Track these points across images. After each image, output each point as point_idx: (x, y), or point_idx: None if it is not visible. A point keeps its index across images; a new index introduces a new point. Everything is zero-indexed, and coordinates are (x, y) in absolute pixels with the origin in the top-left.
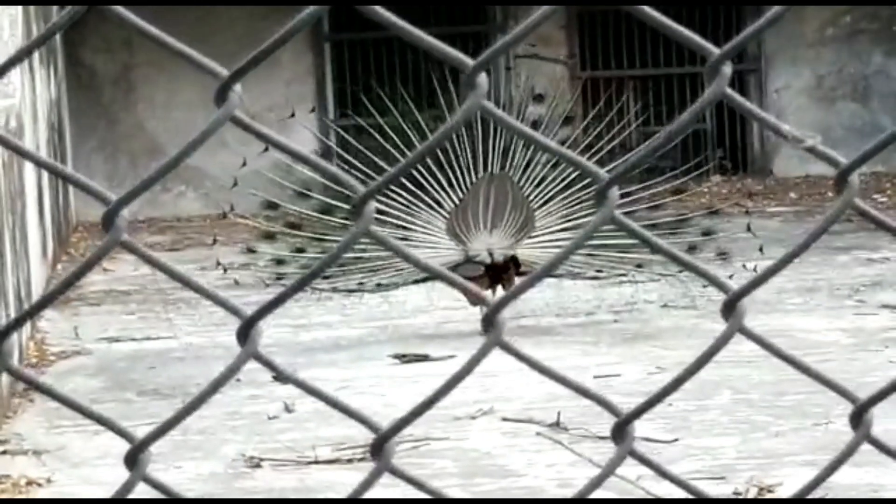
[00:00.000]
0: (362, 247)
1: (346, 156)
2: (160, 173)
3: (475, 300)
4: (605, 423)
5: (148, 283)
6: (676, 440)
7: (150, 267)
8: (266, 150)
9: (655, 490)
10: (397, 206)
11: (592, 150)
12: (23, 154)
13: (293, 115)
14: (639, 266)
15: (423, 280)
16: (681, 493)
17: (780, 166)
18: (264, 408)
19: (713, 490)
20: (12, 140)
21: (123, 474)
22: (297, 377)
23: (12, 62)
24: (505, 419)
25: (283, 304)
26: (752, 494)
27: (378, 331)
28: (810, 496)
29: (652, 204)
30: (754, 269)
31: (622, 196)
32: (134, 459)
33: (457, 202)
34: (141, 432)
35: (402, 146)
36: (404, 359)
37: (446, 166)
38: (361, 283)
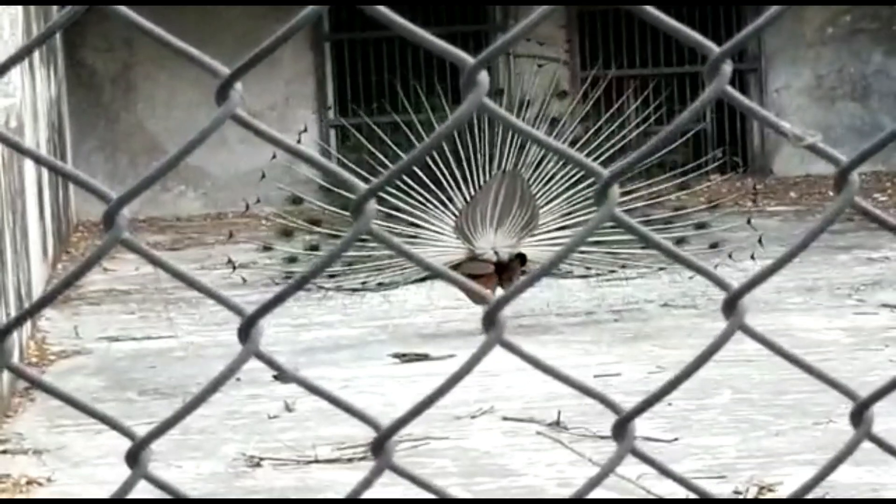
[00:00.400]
0: (372, 245)
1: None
2: (160, 172)
3: (477, 299)
4: (606, 423)
5: (148, 282)
6: (677, 439)
7: (151, 265)
8: (274, 157)
9: (656, 489)
10: (412, 203)
11: (592, 149)
12: (24, 152)
13: (305, 131)
14: (623, 267)
15: (424, 279)
16: (681, 493)
17: (781, 165)
18: (265, 407)
19: (713, 489)
20: (12, 138)
21: (124, 474)
22: (299, 375)
23: (12, 61)
24: (505, 418)
25: (284, 302)
26: (752, 494)
27: (378, 330)
28: (811, 495)
29: (652, 201)
30: (751, 258)
31: (625, 194)
32: (135, 458)
33: (468, 200)
34: (141, 431)
35: (415, 142)
36: (404, 358)
37: (464, 162)
38: (365, 283)
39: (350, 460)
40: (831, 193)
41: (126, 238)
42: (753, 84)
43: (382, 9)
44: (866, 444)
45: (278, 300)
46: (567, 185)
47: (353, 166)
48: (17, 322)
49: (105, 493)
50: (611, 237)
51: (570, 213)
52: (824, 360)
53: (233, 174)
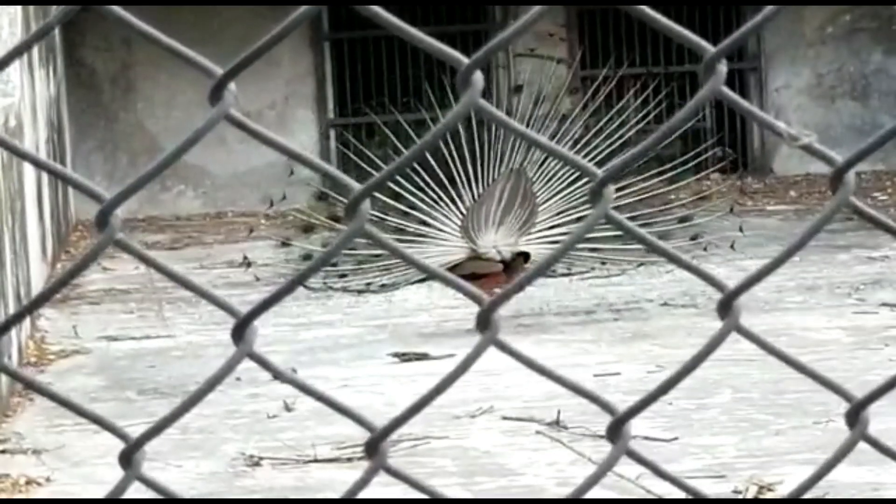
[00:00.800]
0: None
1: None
2: (154, 172)
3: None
4: (606, 422)
5: (148, 281)
6: (676, 438)
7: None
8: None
9: (656, 489)
10: (427, 201)
11: (591, 148)
12: (17, 152)
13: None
14: (603, 263)
15: (425, 279)
16: (681, 492)
17: (780, 164)
18: (264, 406)
19: (713, 488)
20: (8, 140)
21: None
22: (293, 376)
23: (7, 59)
24: (505, 418)
25: (279, 302)
26: (752, 493)
27: (378, 329)
28: (810, 494)
29: (641, 197)
30: (731, 247)
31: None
32: (128, 459)
33: (476, 198)
34: (140, 431)
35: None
36: (404, 357)
37: (477, 160)
38: (370, 284)
39: (349, 460)
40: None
41: (120, 238)
42: (753, 83)
43: (377, 9)
44: (866, 444)
45: (272, 301)
46: (567, 182)
47: (380, 162)
48: (11, 323)
49: (104, 493)
50: (591, 233)
51: (566, 211)
52: (824, 360)
53: (232, 173)
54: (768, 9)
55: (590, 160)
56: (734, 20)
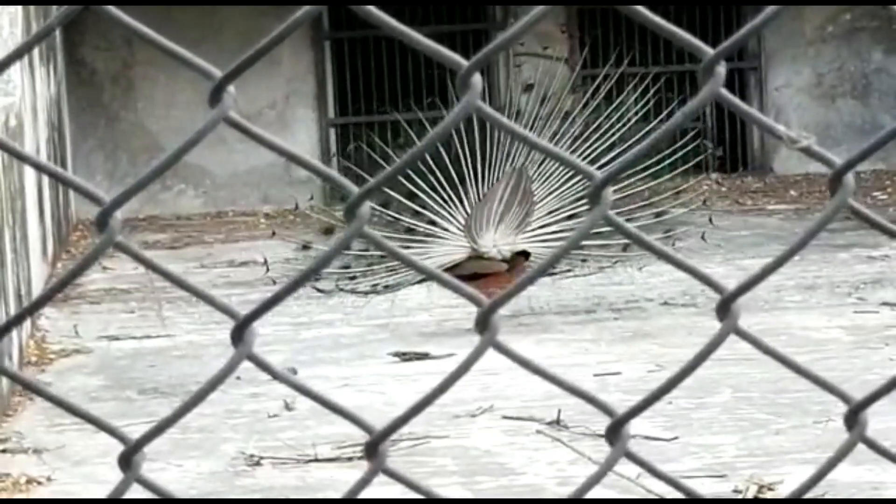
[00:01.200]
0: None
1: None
2: (154, 174)
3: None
4: (606, 421)
5: (147, 282)
6: (676, 438)
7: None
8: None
9: (656, 488)
10: (437, 200)
11: (591, 147)
12: (16, 154)
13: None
14: (584, 261)
15: (426, 279)
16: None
17: (781, 164)
18: (264, 406)
19: (713, 488)
20: (7, 142)
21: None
22: (292, 378)
23: (7, 62)
24: (505, 417)
25: (278, 304)
26: (752, 492)
27: (379, 329)
28: (810, 494)
29: (626, 194)
30: (702, 238)
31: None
32: (128, 461)
33: (481, 197)
34: (141, 431)
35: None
36: (405, 357)
37: (487, 159)
38: (376, 285)
39: (350, 459)
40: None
41: (119, 241)
42: (753, 82)
43: (371, 9)
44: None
45: (271, 303)
46: (562, 180)
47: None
48: (9, 326)
49: (105, 493)
50: (570, 232)
51: (559, 209)
52: (824, 359)
53: (233, 173)
54: (767, 11)
55: (589, 158)
56: (734, 20)
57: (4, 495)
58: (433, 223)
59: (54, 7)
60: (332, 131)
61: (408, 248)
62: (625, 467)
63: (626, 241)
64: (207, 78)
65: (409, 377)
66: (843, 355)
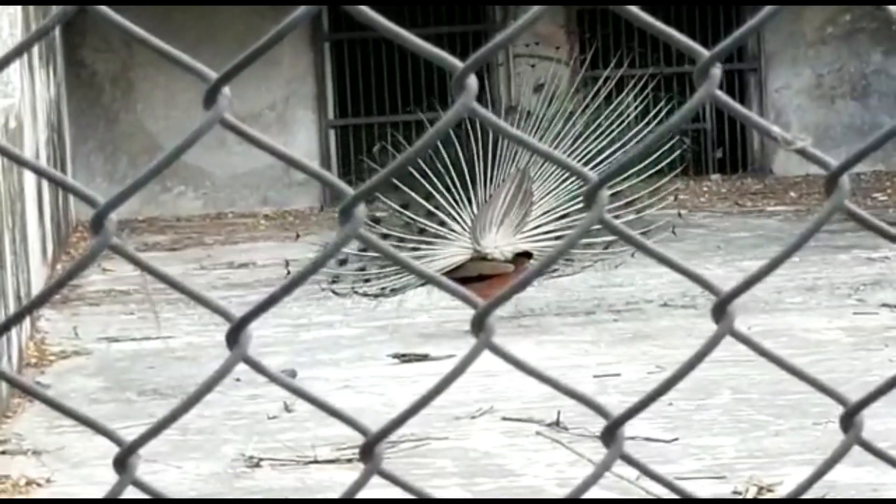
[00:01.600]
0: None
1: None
2: (149, 176)
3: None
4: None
5: (144, 283)
6: (676, 439)
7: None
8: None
9: (655, 489)
10: (448, 200)
11: (591, 147)
12: (13, 158)
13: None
14: (569, 261)
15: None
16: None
17: (780, 165)
18: (264, 407)
19: (713, 489)
20: (5, 145)
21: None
22: (288, 380)
23: (6, 60)
24: (505, 418)
25: (273, 306)
26: (751, 494)
27: (378, 330)
28: (808, 495)
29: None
30: (672, 232)
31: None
32: (123, 463)
33: (488, 199)
34: (140, 432)
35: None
36: (404, 358)
37: (496, 160)
38: (384, 288)
39: (349, 461)
40: None
41: (115, 243)
42: (753, 83)
43: (365, 10)
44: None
45: (267, 304)
46: (558, 181)
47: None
48: (8, 326)
49: (104, 494)
50: (558, 234)
51: (554, 209)
52: (824, 360)
53: (232, 174)
54: (763, 12)
55: (589, 157)
56: (734, 20)
57: (4, 496)
58: (443, 224)
59: (54, 7)
60: (332, 133)
61: (419, 249)
62: (625, 469)
63: (609, 238)
64: (202, 80)
65: (409, 379)
66: (843, 357)
